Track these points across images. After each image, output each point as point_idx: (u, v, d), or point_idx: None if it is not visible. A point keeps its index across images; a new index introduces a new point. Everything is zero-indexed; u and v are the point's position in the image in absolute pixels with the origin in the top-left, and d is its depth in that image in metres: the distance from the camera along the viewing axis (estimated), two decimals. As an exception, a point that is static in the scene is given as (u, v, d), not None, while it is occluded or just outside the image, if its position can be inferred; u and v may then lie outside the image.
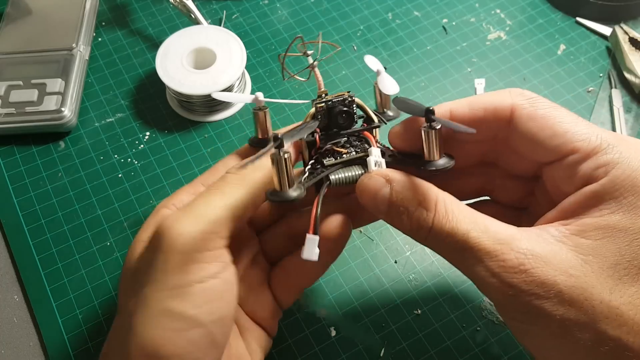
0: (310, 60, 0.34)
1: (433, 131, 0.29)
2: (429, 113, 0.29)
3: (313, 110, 0.33)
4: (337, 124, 0.32)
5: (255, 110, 0.35)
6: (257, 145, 0.36)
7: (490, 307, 0.41)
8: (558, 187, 0.30)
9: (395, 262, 0.43)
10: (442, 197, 0.29)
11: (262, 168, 0.30)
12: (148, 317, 0.27)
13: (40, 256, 0.43)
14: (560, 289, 0.25)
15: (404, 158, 0.32)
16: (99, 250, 0.44)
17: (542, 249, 0.26)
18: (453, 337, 0.40)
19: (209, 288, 0.27)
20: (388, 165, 0.31)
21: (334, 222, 0.33)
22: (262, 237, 0.37)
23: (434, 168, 0.29)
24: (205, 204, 0.29)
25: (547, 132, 0.29)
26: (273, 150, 0.27)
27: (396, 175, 0.30)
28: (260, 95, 0.34)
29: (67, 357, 0.39)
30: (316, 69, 0.34)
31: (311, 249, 0.28)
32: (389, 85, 0.33)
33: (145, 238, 0.31)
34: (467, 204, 0.36)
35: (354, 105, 0.33)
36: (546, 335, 0.27)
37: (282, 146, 0.28)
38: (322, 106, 0.32)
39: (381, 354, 0.39)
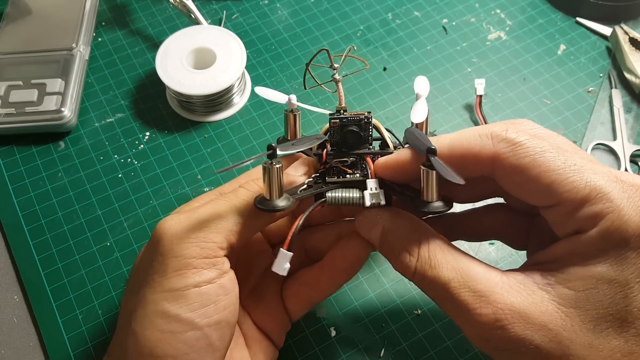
0: (337, 75, 0.33)
1: (433, 172, 0.28)
2: (429, 152, 0.27)
3: (326, 127, 0.32)
4: (345, 143, 0.32)
5: (286, 112, 0.34)
6: (280, 149, 0.35)
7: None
8: (550, 227, 0.29)
9: (395, 262, 0.43)
10: (427, 242, 0.29)
11: None
12: (145, 317, 0.27)
13: (40, 256, 0.43)
14: (538, 345, 0.25)
15: (402, 190, 0.31)
16: (99, 250, 0.44)
17: (522, 302, 0.26)
18: (453, 337, 0.40)
19: (204, 292, 0.28)
20: (387, 196, 0.31)
21: (354, 245, 0.33)
22: (276, 249, 0.38)
23: (426, 210, 0.28)
24: (209, 212, 0.29)
25: (531, 186, 0.27)
26: (265, 159, 0.27)
27: (386, 215, 0.30)
28: (293, 98, 0.34)
29: (67, 357, 0.39)
30: (339, 84, 0.33)
31: (281, 264, 0.29)
32: (417, 113, 0.32)
33: None
34: (480, 207, 0.36)
35: (370, 127, 0.32)
36: None
37: (275, 156, 0.27)
38: (337, 122, 0.32)
39: (381, 354, 0.39)
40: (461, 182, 0.26)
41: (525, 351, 0.26)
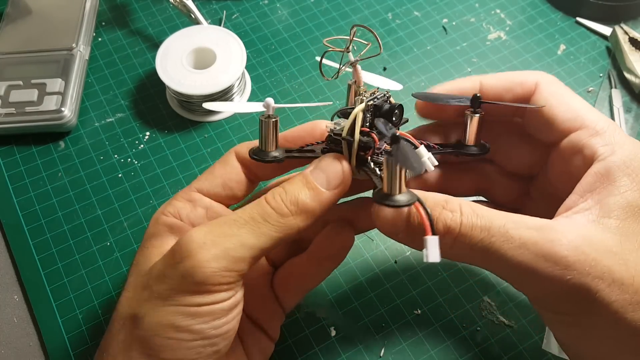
0: (351, 57, 0.32)
1: (477, 117, 0.32)
2: (476, 99, 0.31)
3: (362, 106, 0.30)
4: (391, 121, 0.31)
5: (263, 119, 0.30)
6: (258, 157, 0.31)
7: (490, 307, 0.41)
8: (566, 166, 0.30)
9: (395, 262, 0.43)
10: (466, 202, 0.28)
11: (306, 214, 0.29)
12: (153, 324, 0.28)
13: (40, 256, 0.43)
14: (611, 267, 0.25)
15: (440, 147, 0.34)
16: (99, 250, 0.44)
17: (584, 232, 0.26)
18: (453, 337, 0.40)
19: (218, 308, 0.28)
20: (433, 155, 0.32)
21: (338, 231, 0.33)
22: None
23: (472, 152, 0.32)
24: (236, 240, 0.28)
25: (563, 107, 0.31)
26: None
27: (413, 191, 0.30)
28: (271, 101, 0.29)
29: (67, 357, 0.39)
30: (358, 66, 0.32)
31: (433, 252, 0.26)
32: (389, 82, 0.34)
33: (158, 244, 0.31)
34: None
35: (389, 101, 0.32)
36: (600, 324, 0.26)
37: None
38: (371, 104, 0.31)
39: (381, 354, 0.39)
40: (535, 107, 0.31)
41: (601, 276, 0.25)
